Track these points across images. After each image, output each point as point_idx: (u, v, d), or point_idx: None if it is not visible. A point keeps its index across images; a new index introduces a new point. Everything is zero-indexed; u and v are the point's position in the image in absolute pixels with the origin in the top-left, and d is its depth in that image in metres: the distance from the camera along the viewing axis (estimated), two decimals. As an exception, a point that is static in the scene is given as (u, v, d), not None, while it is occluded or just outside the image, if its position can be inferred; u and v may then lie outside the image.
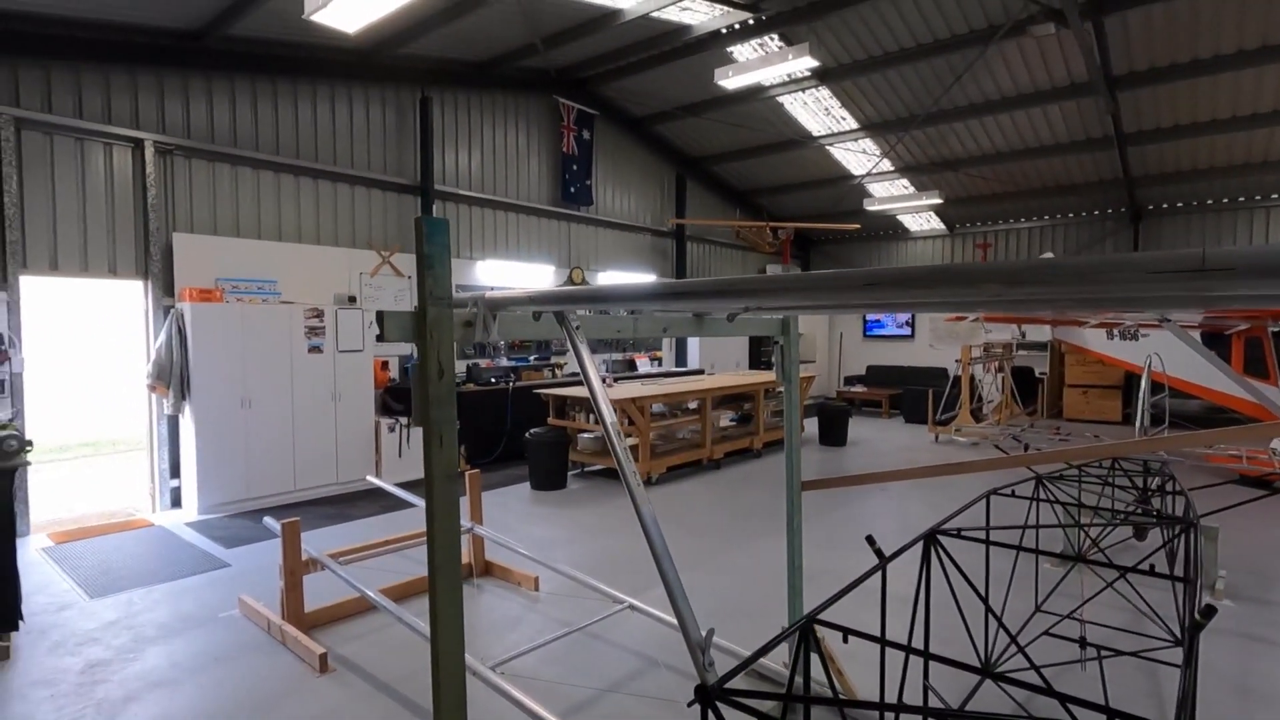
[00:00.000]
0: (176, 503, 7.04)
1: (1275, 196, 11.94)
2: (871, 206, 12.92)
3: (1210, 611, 1.84)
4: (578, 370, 9.65)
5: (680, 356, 13.62)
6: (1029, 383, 13.56)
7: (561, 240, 11.43)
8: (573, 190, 11.25)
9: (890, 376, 15.58)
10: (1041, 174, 12.75)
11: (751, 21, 8.97)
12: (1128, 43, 8.68)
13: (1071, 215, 13.96)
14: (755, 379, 10.25)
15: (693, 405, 9.26)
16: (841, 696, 2.08)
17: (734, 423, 10.48)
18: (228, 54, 7.38)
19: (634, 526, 6.41)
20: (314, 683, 3.59)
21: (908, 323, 16.43)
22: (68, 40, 6.43)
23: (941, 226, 15.61)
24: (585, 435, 8.59)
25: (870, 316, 16.88)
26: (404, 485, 7.76)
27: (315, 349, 7.41)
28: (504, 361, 10.13)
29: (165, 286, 7.00)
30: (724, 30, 9.22)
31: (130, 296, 7.08)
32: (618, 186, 12.56)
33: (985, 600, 2.86)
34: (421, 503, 5.16)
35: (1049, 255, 12.59)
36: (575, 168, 11.28)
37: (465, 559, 5.09)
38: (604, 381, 9.39)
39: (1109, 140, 10.83)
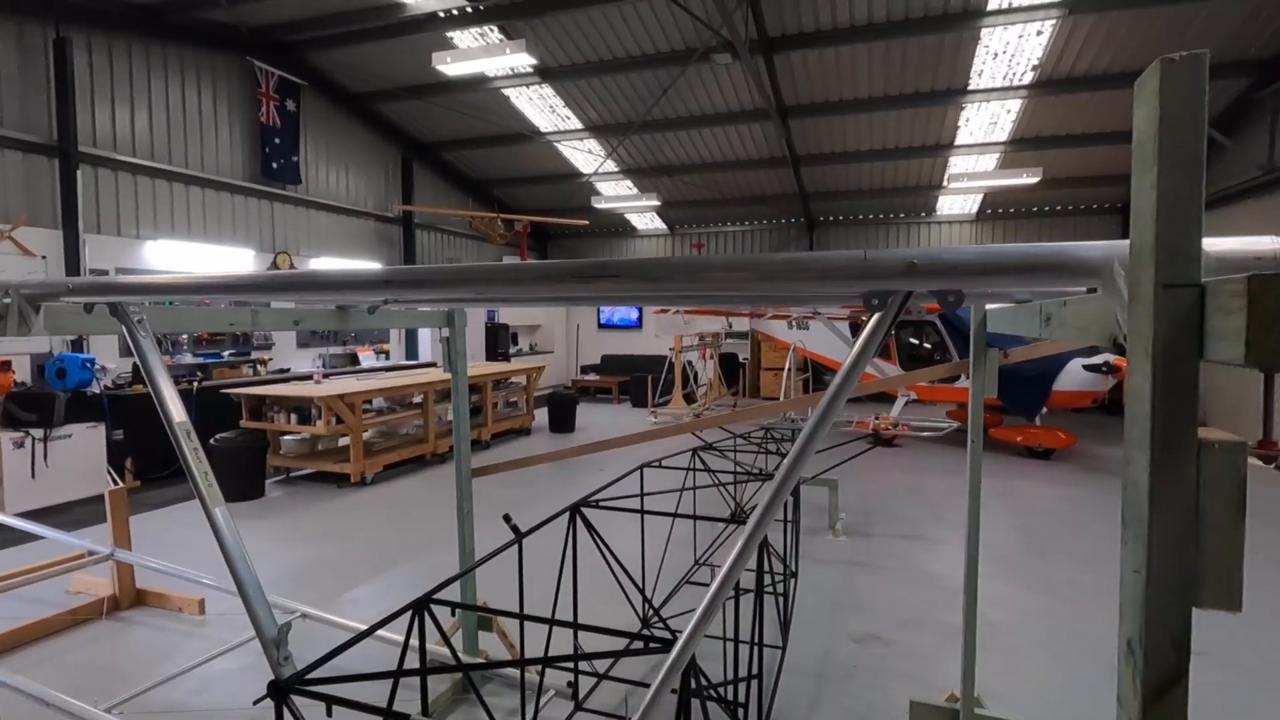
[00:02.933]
0: None
1: (904, 216, 15.13)
2: (599, 204, 13.64)
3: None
4: (287, 367, 8.73)
5: (411, 348, 13.07)
6: (734, 367, 15.51)
7: (264, 221, 10.22)
8: (275, 166, 10.11)
9: (622, 364, 16.66)
10: (739, 185, 14.58)
11: (469, 9, 8.87)
12: (794, 79, 10.31)
13: (766, 222, 16.21)
14: (484, 370, 10.25)
15: (416, 399, 8.95)
16: (466, 663, 2.20)
17: (464, 415, 10.34)
18: None
19: (340, 531, 6.05)
20: None
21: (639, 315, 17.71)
22: None
23: (664, 226, 17.06)
24: (289, 438, 7.83)
25: (603, 308, 17.86)
26: (40, 512, 6.38)
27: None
28: (188, 358, 8.78)
29: None
30: (441, 14, 8.99)
31: None
32: (334, 166, 11.59)
33: (621, 565, 3.22)
34: (47, 531, 4.31)
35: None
36: (279, 141, 10.15)
37: (107, 590, 4.35)
38: (313, 378, 8.66)
39: (786, 160, 12.76)
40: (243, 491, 6.99)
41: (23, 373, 7.07)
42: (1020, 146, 11.58)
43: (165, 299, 1.75)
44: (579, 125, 12.21)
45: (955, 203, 14.33)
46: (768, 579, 3.24)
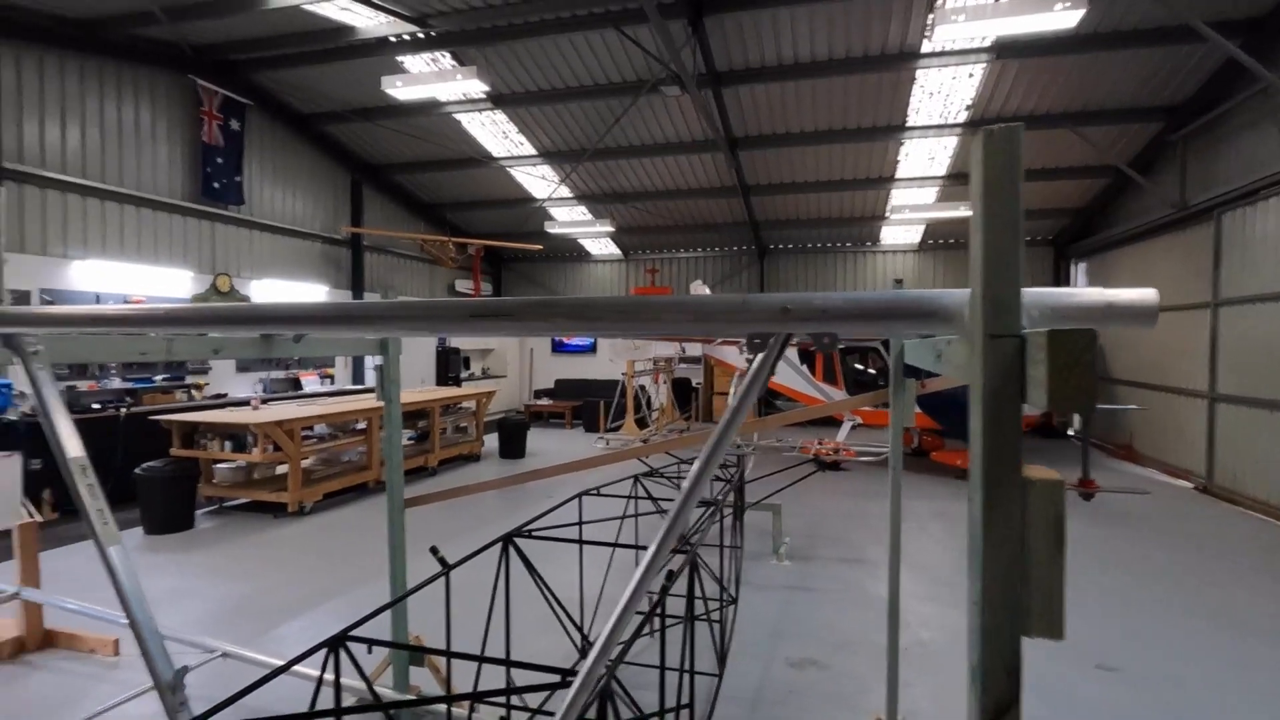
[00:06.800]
0: None
1: (849, 245, 15.60)
2: (553, 229, 13.69)
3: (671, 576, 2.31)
4: (224, 392, 8.42)
5: (358, 373, 12.79)
6: (687, 391, 15.62)
7: (203, 242, 9.93)
8: (217, 186, 9.86)
9: (576, 389, 16.60)
10: (692, 212, 14.83)
11: (421, 35, 8.89)
12: (742, 112, 10.61)
13: (717, 249, 16.49)
14: (432, 395, 10.09)
15: (360, 425, 8.75)
16: (391, 700, 2.15)
17: (411, 441, 10.16)
18: None
19: (273, 565, 5.84)
20: None
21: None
22: None
23: (619, 252, 17.20)
24: (223, 466, 7.55)
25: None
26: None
27: None
28: (116, 382, 8.41)
29: None
30: (392, 39, 8.99)
31: None
32: (280, 187, 11.37)
33: (556, 596, 3.19)
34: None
35: (698, 282, 14.70)
36: (221, 160, 9.92)
37: (14, 631, 4.10)
38: (250, 403, 8.40)
39: (736, 189, 13.05)
40: (170, 523, 6.69)
41: (-69, 399, 6.67)
42: (957, 181, 12.11)
43: (63, 331, 1.70)
44: (532, 151, 12.28)
45: (899, 233, 14.86)
46: (702, 606, 3.26)
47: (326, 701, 1.96)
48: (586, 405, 14.43)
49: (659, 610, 2.34)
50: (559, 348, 17.92)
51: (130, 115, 8.89)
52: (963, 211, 11.49)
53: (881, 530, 6.82)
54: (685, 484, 1.18)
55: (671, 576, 2.35)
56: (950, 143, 11.00)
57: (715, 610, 3.60)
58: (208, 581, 5.40)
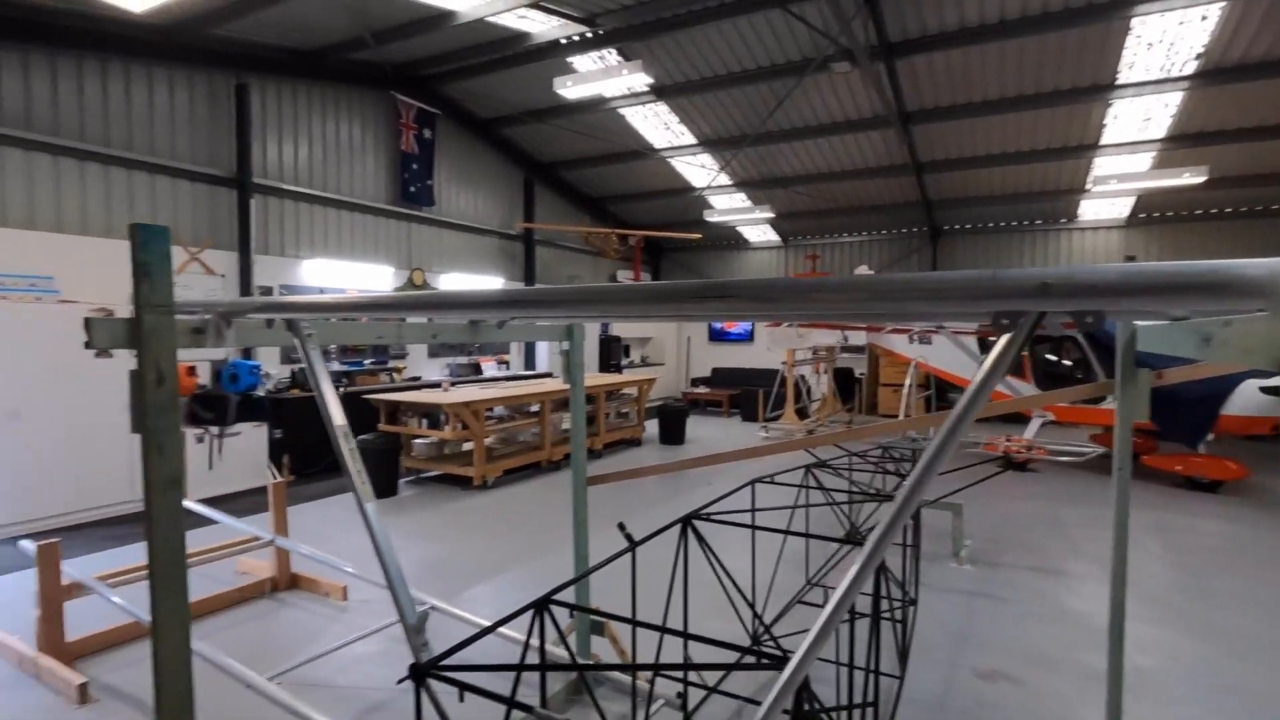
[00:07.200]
0: (-80, 531, 6.09)
1: (1039, 223, 14.06)
2: (711, 217, 13.70)
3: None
4: (418, 375, 9.42)
5: (530, 359, 13.67)
6: (849, 382, 14.97)
7: (401, 241, 11.11)
8: (413, 190, 10.97)
9: (732, 378, 16.55)
10: (857, 194, 14.13)
11: (589, 35, 9.24)
12: (917, 84, 9.90)
13: (884, 232, 15.59)
14: (598, 382, 10.54)
15: (533, 408, 9.36)
16: (581, 663, 2.29)
17: (577, 425, 10.67)
18: (-9, 19, 6.51)
19: (462, 531, 6.43)
20: (70, 716, 3.32)
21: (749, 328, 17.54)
22: None
23: (777, 238, 16.83)
24: (420, 441, 8.42)
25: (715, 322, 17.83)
26: (214, 500, 7.24)
27: (103, 353, 6.70)
28: (335, 365, 9.67)
29: (-96, 281, 6.05)
30: (563, 41, 9.42)
31: None
32: (463, 188, 12.40)
33: (732, 580, 3.21)
34: (223, 517, 4.88)
35: (863, 268, 14.01)
36: (416, 167, 11.01)
37: (268, 573, 4.88)
38: (441, 386, 9.26)
39: (908, 167, 12.24)
40: (379, 489, 7.60)
41: (203, 377, 8.07)
42: (1180, 144, 10.46)
43: (328, 316, 1.99)
44: (693, 140, 12.35)
45: (1101, 207, 13.14)
46: (885, 604, 3.12)
47: (524, 658, 2.13)
48: (744, 394, 14.32)
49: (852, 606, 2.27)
50: (717, 336, 17.93)
51: (345, 131, 10.13)
52: (1188, 179, 9.91)
53: (1082, 540, 6.12)
54: (913, 473, 1.13)
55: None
56: (1173, 99, 9.51)
57: (898, 609, 3.44)
58: (410, 543, 6.06)
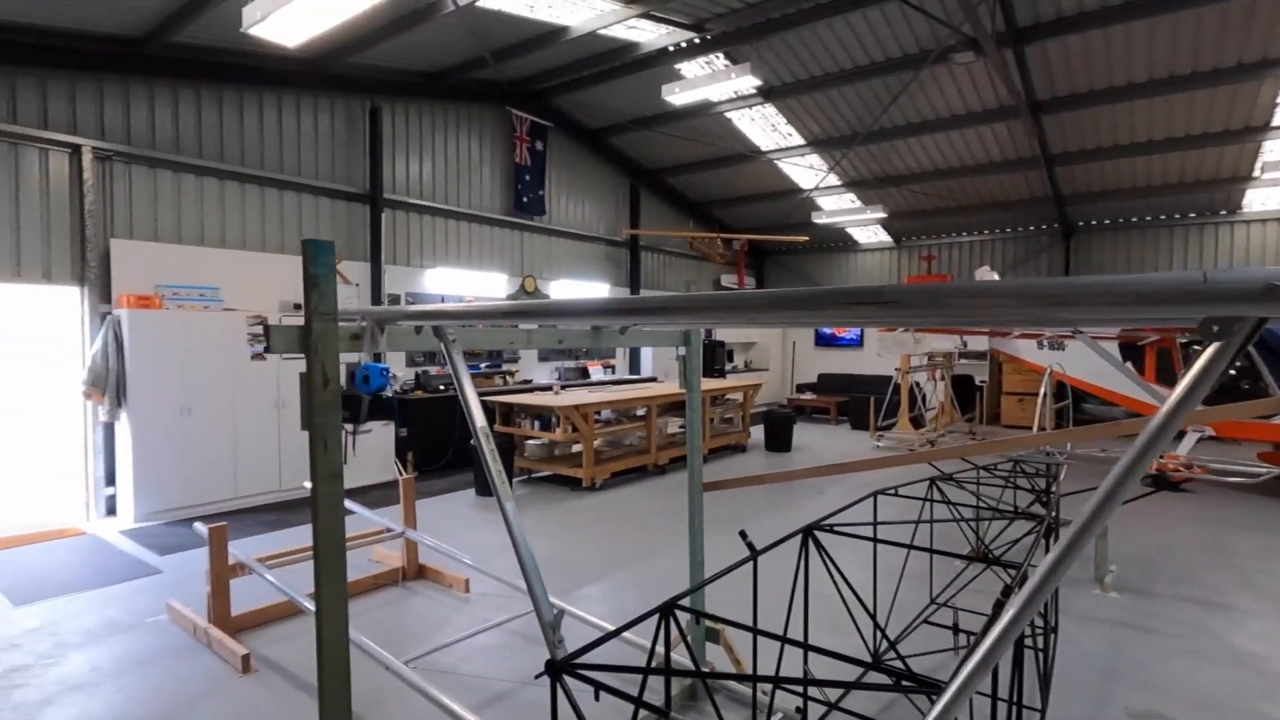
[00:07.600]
0: (112, 510, 6.98)
1: (1193, 216, 12.69)
2: (820, 219, 13.35)
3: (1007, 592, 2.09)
4: (529, 378, 9.78)
5: (634, 364, 13.84)
6: (969, 390, 14.10)
7: (514, 249, 11.58)
8: (525, 200, 11.41)
9: (839, 384, 16.02)
10: (978, 191, 13.31)
11: (697, 40, 9.27)
12: (1049, 70, 9.21)
13: (1009, 230, 14.59)
14: (704, 387, 10.50)
15: (640, 412, 9.46)
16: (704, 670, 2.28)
17: (682, 429, 10.71)
18: (170, 60, 7.39)
19: (573, 531, 6.59)
20: (235, 683, 3.68)
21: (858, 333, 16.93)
22: (5, 45, 6.39)
23: (889, 239, 16.15)
24: (532, 442, 8.73)
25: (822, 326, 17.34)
26: (349, 493, 7.85)
27: (258, 356, 7.42)
28: (454, 369, 10.20)
29: (102, 293, 6.96)
30: (671, 48, 9.50)
31: (66, 303, 7.01)
32: (572, 197, 12.76)
33: (855, 593, 3.10)
34: (360, 509, 5.26)
35: (985, 269, 13.16)
36: (528, 178, 11.44)
37: (398, 562, 5.21)
38: (552, 389, 9.56)
39: (1037, 160, 11.40)
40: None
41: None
42: (1375, 121, 9.12)
43: (472, 323, 2.10)
44: (800, 141, 12.09)
45: (1271, 196, 11.67)
46: (1026, 630, 2.91)
47: (650, 661, 2.15)
48: (853, 401, 13.82)
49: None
50: (824, 341, 17.44)
51: (464, 146, 10.70)
52: (1385, 161, 8.62)
53: (1251, 570, 5.45)
54: (1096, 495, 1.04)
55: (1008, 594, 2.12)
56: (1366, 71, 8.31)
57: (1039, 635, 3.19)
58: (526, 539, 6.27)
